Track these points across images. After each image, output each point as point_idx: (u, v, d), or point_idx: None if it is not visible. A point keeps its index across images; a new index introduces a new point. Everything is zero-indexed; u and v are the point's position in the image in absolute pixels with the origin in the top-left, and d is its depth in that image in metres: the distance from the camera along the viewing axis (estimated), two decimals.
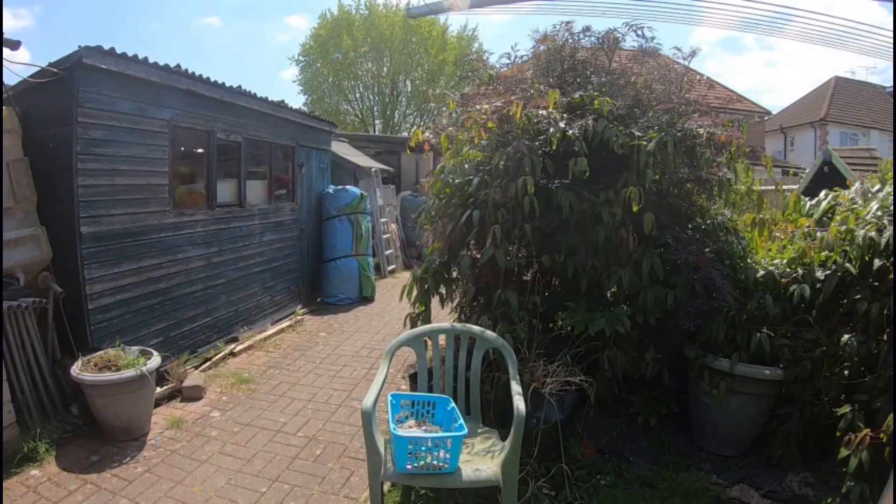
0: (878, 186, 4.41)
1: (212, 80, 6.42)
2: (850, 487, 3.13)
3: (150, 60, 5.43)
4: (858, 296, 3.75)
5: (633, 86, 4.77)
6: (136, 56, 5.22)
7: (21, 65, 4.86)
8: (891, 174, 4.42)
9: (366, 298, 10.10)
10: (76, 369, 4.49)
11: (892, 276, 3.63)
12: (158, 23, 58.72)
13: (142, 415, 4.66)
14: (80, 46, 4.70)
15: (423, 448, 3.05)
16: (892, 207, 3.93)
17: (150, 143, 5.62)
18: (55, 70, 4.77)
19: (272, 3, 62.95)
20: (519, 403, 3.19)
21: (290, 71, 57.20)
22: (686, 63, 4.94)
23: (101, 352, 4.75)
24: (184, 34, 60.70)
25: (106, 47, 4.90)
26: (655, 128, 4.10)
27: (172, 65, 5.71)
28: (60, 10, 53.87)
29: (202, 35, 61.56)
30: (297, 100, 39.83)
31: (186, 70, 5.96)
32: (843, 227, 4.01)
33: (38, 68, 4.89)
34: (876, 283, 3.78)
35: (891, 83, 30.28)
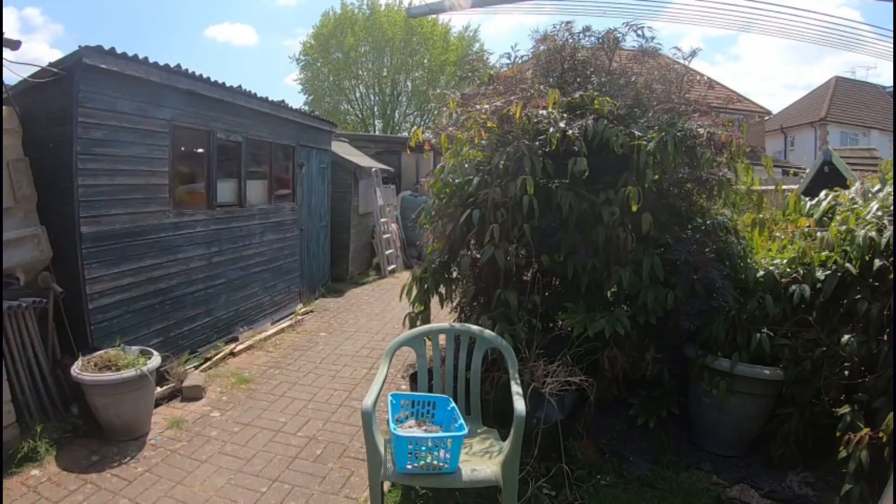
0: (878, 186, 4.41)
1: (212, 79, 6.41)
2: (850, 487, 3.13)
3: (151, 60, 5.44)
4: (858, 296, 3.75)
5: (634, 86, 4.77)
6: (136, 56, 5.21)
7: (21, 64, 4.86)
8: (891, 174, 4.43)
9: None
10: (76, 369, 4.49)
11: (892, 276, 3.63)
12: (177, 31, 59.46)
13: (142, 415, 4.66)
14: (80, 46, 4.70)
15: (424, 448, 3.06)
16: (892, 207, 3.93)
17: (151, 142, 5.62)
18: (55, 70, 4.76)
19: (296, 15, 63.29)
20: (519, 403, 3.19)
21: (292, 76, 57.51)
22: (686, 63, 4.94)
23: (102, 352, 4.74)
24: (195, 43, 61.17)
25: (106, 47, 4.90)
26: (655, 128, 4.10)
27: (173, 65, 5.71)
28: (101, 24, 54.72)
29: (213, 45, 62.00)
30: (297, 100, 39.94)
31: (187, 70, 5.95)
32: (844, 227, 4.01)
33: (38, 68, 4.88)
34: (876, 283, 3.78)
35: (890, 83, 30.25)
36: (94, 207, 5.01)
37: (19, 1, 54.02)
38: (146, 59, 5.35)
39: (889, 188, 4.24)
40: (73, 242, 4.90)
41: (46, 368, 4.67)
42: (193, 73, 6.10)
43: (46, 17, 58.34)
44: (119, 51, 5.02)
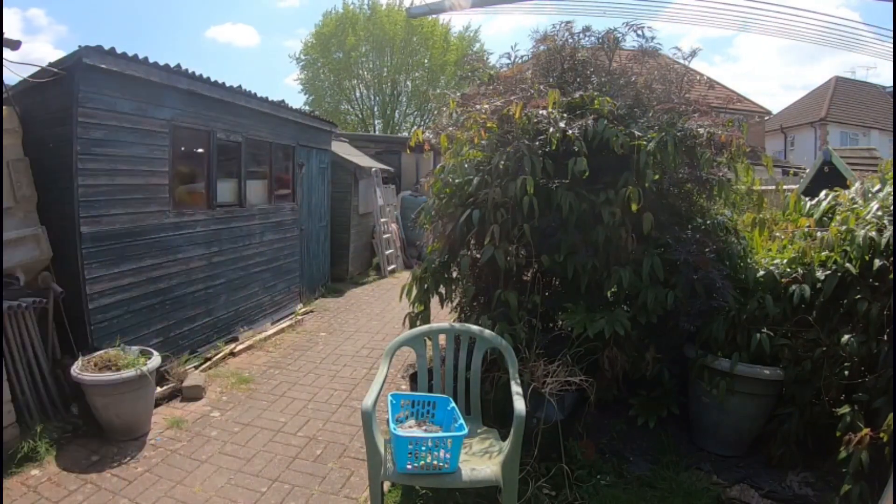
0: (878, 186, 4.41)
1: (212, 79, 6.41)
2: (850, 487, 3.13)
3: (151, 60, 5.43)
4: (858, 296, 3.75)
5: (634, 86, 4.77)
6: (136, 56, 5.21)
7: (21, 64, 4.86)
8: (891, 174, 4.43)
9: None
10: (76, 369, 4.49)
11: (891, 276, 3.63)
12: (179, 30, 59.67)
13: (142, 414, 4.66)
14: (80, 46, 4.70)
15: (424, 448, 3.06)
16: (892, 207, 3.93)
17: (151, 142, 5.62)
18: (55, 70, 4.76)
19: (298, 16, 63.37)
20: (518, 403, 3.19)
21: (293, 76, 57.67)
22: (686, 63, 4.94)
23: (102, 352, 4.74)
24: (197, 44, 61.31)
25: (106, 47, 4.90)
26: (655, 128, 4.10)
27: (173, 65, 5.71)
28: (105, 25, 55.08)
29: (214, 46, 62.13)
30: (297, 100, 39.94)
31: (186, 70, 5.95)
32: (844, 227, 4.01)
33: (38, 68, 4.88)
34: (876, 283, 3.78)
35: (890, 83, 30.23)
36: (94, 207, 5.01)
37: (24, 2, 54.20)
38: (146, 58, 5.35)
39: (889, 188, 4.24)
40: (73, 242, 4.90)
41: (46, 368, 4.67)
42: (193, 72, 6.10)
43: (51, 19, 58.80)
44: (119, 51, 5.02)
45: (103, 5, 57.43)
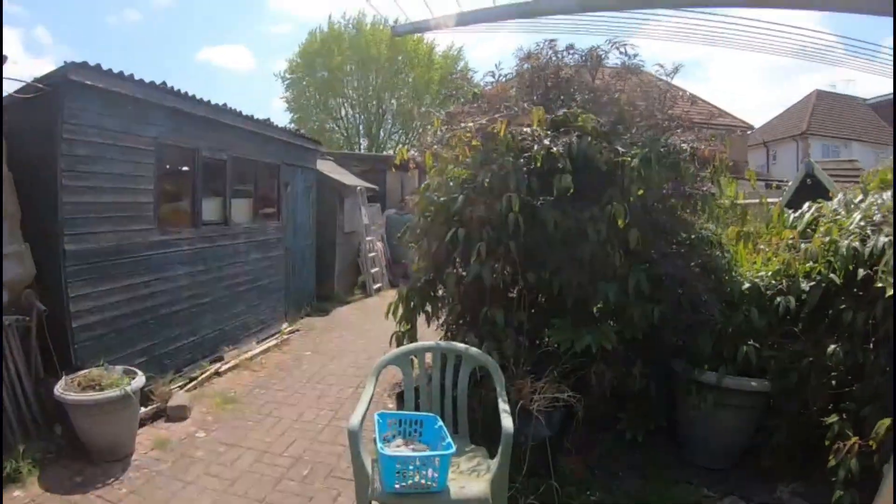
0: (860, 197, 4.46)
1: (197, 97, 6.41)
2: (840, 495, 3.15)
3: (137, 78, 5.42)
4: (843, 306, 3.78)
5: (617, 102, 4.80)
6: (121, 73, 5.20)
7: (6, 79, 4.82)
8: (872, 184, 4.48)
9: None
10: (59, 388, 4.42)
11: (876, 284, 3.63)
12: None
13: (126, 435, 4.60)
14: (65, 62, 4.69)
15: (411, 467, 3.03)
16: (890, 212, 3.92)
17: (136, 160, 5.59)
18: (41, 85, 4.74)
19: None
20: (506, 421, 3.18)
21: (279, 94, 58.01)
22: (668, 79, 4.98)
23: (85, 371, 4.68)
24: (192, 66, 61.33)
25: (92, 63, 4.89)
26: (639, 143, 4.13)
27: (158, 82, 5.69)
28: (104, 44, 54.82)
29: (209, 68, 62.28)
30: (283, 118, 39.96)
31: (172, 87, 5.94)
32: (827, 239, 4.05)
33: (23, 83, 4.85)
34: (860, 293, 3.81)
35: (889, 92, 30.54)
36: (79, 225, 4.97)
37: (30, 21, 53.94)
38: (132, 75, 5.33)
39: (870, 199, 4.28)
40: (58, 260, 4.84)
41: (29, 388, 4.61)
42: (179, 90, 6.09)
43: (56, 38, 58.56)
44: (105, 67, 5.00)
45: (107, 27, 57.36)
